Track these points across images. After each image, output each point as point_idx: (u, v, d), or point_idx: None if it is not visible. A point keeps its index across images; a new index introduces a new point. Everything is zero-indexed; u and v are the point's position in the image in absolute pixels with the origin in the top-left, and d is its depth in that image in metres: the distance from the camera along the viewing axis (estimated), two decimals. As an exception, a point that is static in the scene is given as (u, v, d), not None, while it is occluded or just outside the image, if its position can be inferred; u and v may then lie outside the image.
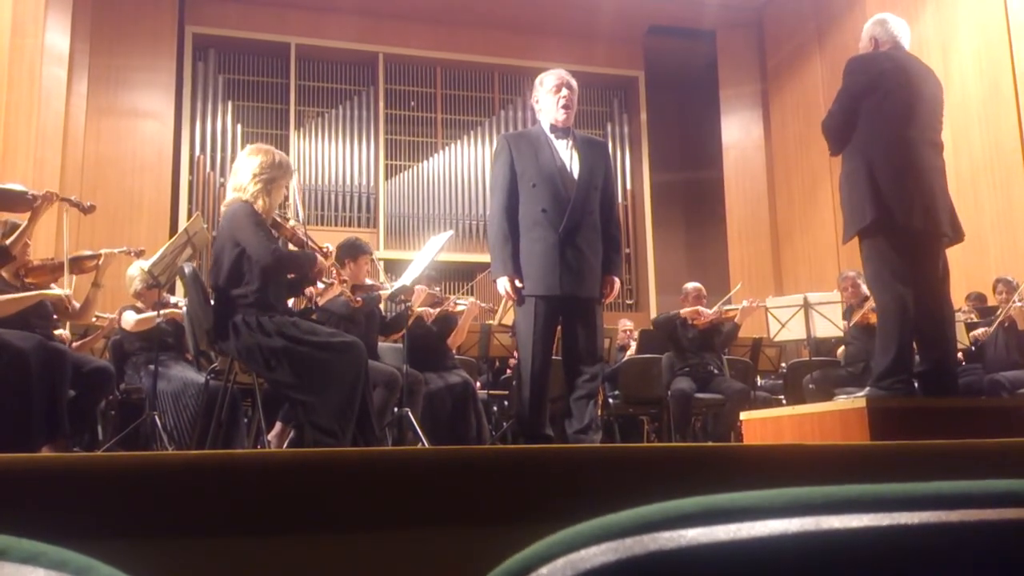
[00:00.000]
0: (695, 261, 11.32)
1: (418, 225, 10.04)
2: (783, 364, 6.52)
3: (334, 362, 3.05)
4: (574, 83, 3.56)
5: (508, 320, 5.50)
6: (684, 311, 5.76)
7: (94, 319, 4.84)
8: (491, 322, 5.84)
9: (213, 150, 9.65)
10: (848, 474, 1.54)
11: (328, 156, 10.01)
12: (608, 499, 1.34)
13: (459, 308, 5.36)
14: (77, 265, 4.06)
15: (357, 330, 3.97)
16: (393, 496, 1.28)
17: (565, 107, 3.49)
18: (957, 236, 3.31)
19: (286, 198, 3.63)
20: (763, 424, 3.42)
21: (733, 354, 6.20)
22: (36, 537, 0.35)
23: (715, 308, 5.79)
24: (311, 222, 9.34)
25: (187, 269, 3.57)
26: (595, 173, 3.49)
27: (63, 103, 7.96)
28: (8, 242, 3.60)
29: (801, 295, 5.89)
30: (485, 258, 6.52)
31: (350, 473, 1.29)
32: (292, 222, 3.58)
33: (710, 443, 4.91)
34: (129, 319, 4.53)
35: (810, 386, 5.47)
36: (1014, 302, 5.40)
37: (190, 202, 9.32)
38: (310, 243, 3.51)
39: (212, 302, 3.30)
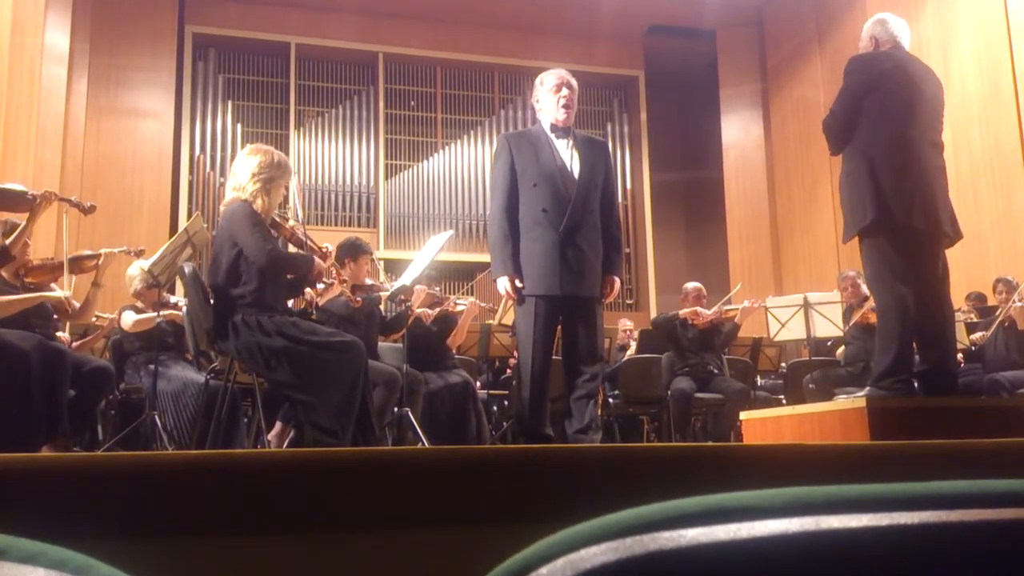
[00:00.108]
0: (695, 261, 11.32)
1: (418, 225, 10.04)
2: (783, 364, 6.52)
3: (334, 362, 3.06)
4: (574, 83, 3.56)
5: (508, 320, 5.50)
6: (683, 311, 5.76)
7: (94, 319, 4.83)
8: (491, 322, 5.84)
9: (213, 150, 9.65)
10: (848, 474, 1.54)
11: (328, 156, 10.00)
12: (608, 499, 1.34)
13: (459, 308, 5.36)
14: (77, 265, 4.06)
15: (357, 330, 3.97)
16: (393, 496, 1.28)
17: (565, 107, 3.49)
18: (956, 236, 3.31)
19: (286, 198, 3.62)
20: (763, 424, 3.42)
21: (733, 354, 6.20)
22: (36, 537, 0.35)
23: (715, 308, 5.79)
24: (311, 222, 9.34)
25: (187, 269, 3.57)
26: (595, 172, 3.49)
27: (63, 102, 7.96)
28: (8, 242, 3.60)
29: (801, 295, 5.89)
30: (485, 258, 6.51)
31: (350, 473, 1.29)
32: (292, 222, 3.58)
33: (710, 443, 4.90)
34: (128, 319, 4.53)
35: (810, 386, 5.46)
36: (1014, 302, 5.40)
37: (190, 202, 9.32)
38: (309, 243, 3.51)
39: (212, 302, 3.30)
